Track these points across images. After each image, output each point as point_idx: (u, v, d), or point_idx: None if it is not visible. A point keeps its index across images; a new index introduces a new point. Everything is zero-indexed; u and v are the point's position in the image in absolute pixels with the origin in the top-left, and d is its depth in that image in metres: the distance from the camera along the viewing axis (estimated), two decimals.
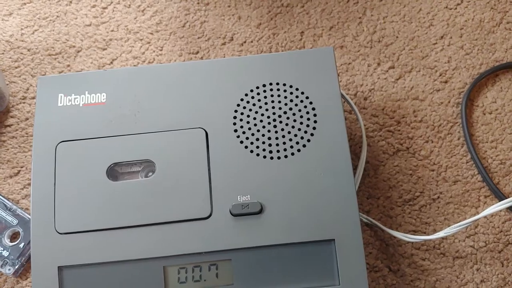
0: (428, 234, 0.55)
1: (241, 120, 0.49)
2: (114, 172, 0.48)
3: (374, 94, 0.61)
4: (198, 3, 0.66)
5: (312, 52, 0.51)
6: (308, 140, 0.48)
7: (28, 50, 0.65)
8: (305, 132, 0.48)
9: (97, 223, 0.47)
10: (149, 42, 0.65)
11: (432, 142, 0.59)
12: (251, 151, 0.48)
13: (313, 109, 0.49)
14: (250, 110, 0.49)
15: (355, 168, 0.56)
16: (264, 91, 0.50)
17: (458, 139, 0.59)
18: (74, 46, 0.65)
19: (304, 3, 0.66)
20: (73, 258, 0.47)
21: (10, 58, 0.64)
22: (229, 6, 0.66)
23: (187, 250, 0.46)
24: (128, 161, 0.49)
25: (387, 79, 0.62)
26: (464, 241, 0.55)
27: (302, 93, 0.50)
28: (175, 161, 0.48)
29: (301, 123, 0.49)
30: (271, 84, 0.50)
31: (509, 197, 0.56)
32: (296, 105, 0.49)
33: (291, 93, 0.50)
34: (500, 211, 0.55)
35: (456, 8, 0.65)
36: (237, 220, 0.47)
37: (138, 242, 0.47)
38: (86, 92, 0.51)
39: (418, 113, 0.60)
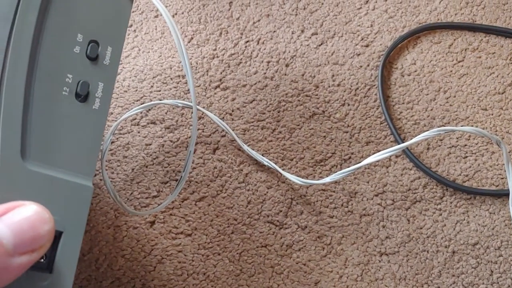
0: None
1: None
2: None
3: (295, 61, 0.63)
4: None
5: None
6: None
7: None
8: None
9: None
10: None
11: (349, 105, 0.61)
12: None
13: None
14: None
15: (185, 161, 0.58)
16: None
17: (375, 101, 0.61)
18: None
19: None
20: None
21: None
22: None
23: None
24: None
25: (309, 45, 0.64)
26: (372, 199, 0.57)
27: None
28: None
29: None
30: None
31: (419, 157, 0.57)
32: None
33: None
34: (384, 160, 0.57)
35: None
36: None
37: None
38: None
39: (337, 77, 0.62)
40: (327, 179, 0.52)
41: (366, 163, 0.49)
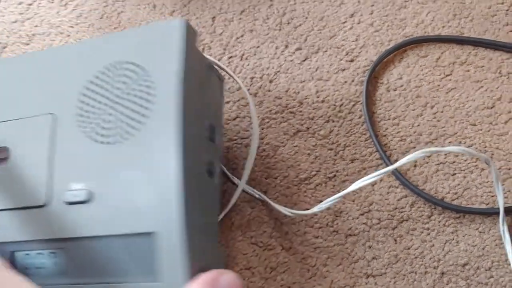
0: (322, 211, 0.55)
1: (87, 104, 0.47)
2: None
3: (279, 77, 0.62)
4: None
5: (162, 25, 0.47)
6: (142, 123, 0.44)
7: None
8: (142, 115, 0.44)
9: None
10: (69, 35, 0.67)
11: (333, 121, 0.59)
12: (90, 137, 0.45)
13: (152, 88, 0.45)
14: (97, 93, 0.47)
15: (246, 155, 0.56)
16: (109, 70, 0.47)
17: (359, 117, 0.59)
18: (0, 43, 0.68)
19: None
20: None
21: None
22: None
23: (21, 237, 0.45)
24: None
25: (293, 61, 0.62)
26: (357, 218, 0.55)
27: (144, 71, 0.46)
28: (21, 148, 0.47)
29: (140, 105, 0.45)
30: (116, 63, 0.47)
31: (406, 174, 0.56)
32: (139, 85, 0.45)
33: (136, 72, 0.46)
34: (371, 184, 0.55)
35: None
36: (69, 209, 0.44)
37: None
38: None
39: (321, 94, 0.60)
40: (315, 209, 0.51)
41: (354, 188, 0.48)
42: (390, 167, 0.47)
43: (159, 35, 0.47)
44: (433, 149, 0.46)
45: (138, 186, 0.43)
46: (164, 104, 0.44)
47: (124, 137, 0.44)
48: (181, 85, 0.44)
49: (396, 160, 0.57)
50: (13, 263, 0.45)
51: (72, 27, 0.68)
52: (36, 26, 0.68)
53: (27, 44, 0.67)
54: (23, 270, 0.45)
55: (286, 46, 0.63)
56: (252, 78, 0.62)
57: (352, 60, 0.61)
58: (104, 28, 0.67)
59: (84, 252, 0.44)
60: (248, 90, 0.61)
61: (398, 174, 0.55)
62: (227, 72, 0.56)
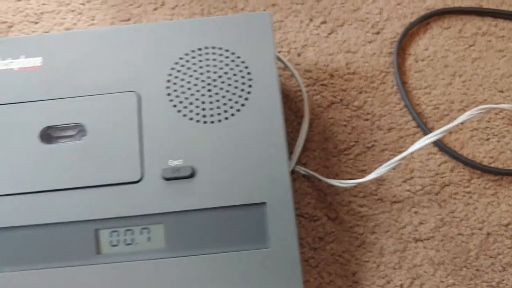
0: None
1: (174, 84, 0.49)
2: (47, 135, 0.48)
3: (307, 50, 0.61)
4: None
5: (248, 16, 0.51)
6: (242, 105, 0.48)
7: None
8: (240, 96, 0.48)
9: (28, 186, 0.47)
10: (80, 13, 0.64)
11: (366, 92, 0.59)
12: (184, 115, 0.48)
13: (248, 73, 0.49)
14: (184, 74, 0.49)
15: (297, 130, 0.56)
16: (200, 54, 0.50)
17: (392, 87, 0.60)
18: (5, 22, 0.64)
19: None
20: (3, 220, 0.46)
21: None
22: None
23: (118, 213, 0.46)
24: (60, 124, 0.48)
25: (320, 34, 0.62)
26: (400, 185, 0.56)
27: (238, 57, 0.49)
28: (106, 124, 0.48)
29: (236, 87, 0.48)
30: (206, 48, 0.50)
31: (443, 141, 0.57)
32: (231, 69, 0.49)
33: (227, 57, 0.50)
34: (427, 147, 0.56)
35: None
36: (168, 184, 0.46)
37: (69, 205, 0.46)
38: (22, 56, 0.50)
39: (351, 65, 0.61)
40: (371, 175, 0.51)
41: (414, 149, 0.48)
42: (450, 125, 0.47)
43: (249, 25, 0.50)
44: (488, 106, 0.48)
45: (247, 161, 0.46)
46: (264, 86, 0.48)
47: (224, 116, 0.47)
48: (276, 70, 0.48)
49: (433, 128, 0.57)
50: (97, 241, 0.45)
51: (83, 4, 0.65)
52: (43, 4, 0.65)
53: (36, 23, 0.64)
54: (109, 248, 0.45)
55: (311, 20, 0.63)
56: (279, 52, 0.61)
57: (378, 33, 0.62)
58: (119, 5, 0.64)
59: (187, 225, 0.45)
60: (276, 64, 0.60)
61: (437, 140, 0.56)
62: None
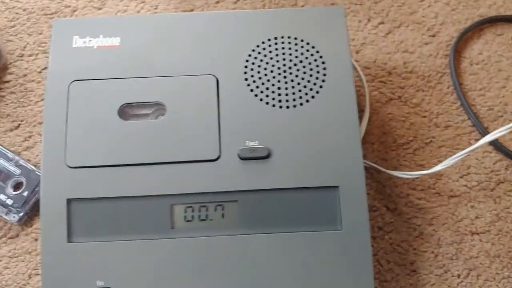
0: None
1: (252, 69, 0.50)
2: (124, 113, 0.49)
3: (365, 48, 0.63)
4: None
5: (322, 10, 0.53)
6: (317, 92, 0.50)
7: (24, 10, 0.65)
8: (314, 84, 0.50)
9: (107, 159, 0.48)
10: (144, 1, 0.66)
11: (423, 91, 0.61)
12: (261, 100, 0.50)
13: (323, 63, 0.50)
14: (261, 60, 0.51)
15: (360, 118, 0.57)
16: (276, 43, 0.51)
17: (448, 87, 0.62)
18: (69, 6, 0.66)
19: None
20: (82, 191, 0.47)
21: (5, 18, 0.65)
22: None
23: (194, 190, 0.47)
24: (139, 102, 0.50)
25: (377, 34, 0.64)
26: (457, 181, 0.57)
27: (313, 47, 0.51)
28: (185, 104, 0.49)
29: (311, 75, 0.50)
30: (282, 37, 0.52)
31: (498, 140, 0.58)
32: (306, 58, 0.51)
33: (302, 46, 0.51)
34: (488, 148, 0.58)
35: None
36: (244, 164, 0.48)
37: (147, 179, 0.47)
38: (101, 35, 0.52)
39: (408, 65, 0.63)
40: (437, 167, 0.52)
41: (481, 143, 0.50)
42: None
43: (324, 18, 0.52)
44: None
45: (321, 146, 0.48)
46: (338, 75, 0.50)
47: (299, 102, 0.49)
48: (350, 60, 0.50)
49: (488, 128, 0.59)
50: (172, 216, 0.47)
51: None
52: None
53: (100, 9, 0.66)
54: (183, 223, 0.47)
55: (369, 20, 0.65)
56: None
57: (434, 35, 0.64)
58: None
59: (261, 204, 0.47)
60: None
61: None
62: None
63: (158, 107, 0.50)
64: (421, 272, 0.54)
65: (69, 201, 0.47)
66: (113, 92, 0.50)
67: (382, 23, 0.65)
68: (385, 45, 0.63)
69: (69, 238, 0.47)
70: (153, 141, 0.48)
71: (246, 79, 0.50)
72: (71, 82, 0.50)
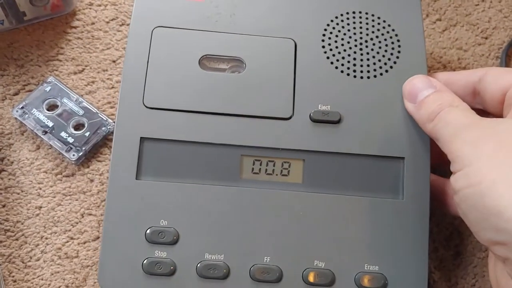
0: None
1: (329, 38, 0.53)
2: (203, 64, 0.51)
3: None
4: None
5: None
6: (391, 67, 0.52)
7: None
8: (389, 59, 0.52)
9: (184, 104, 0.49)
10: None
11: None
12: (336, 67, 0.52)
13: (398, 41, 0.53)
14: (339, 31, 0.53)
15: None
16: (354, 17, 0.54)
17: None
18: None
19: None
20: (156, 132, 0.49)
21: None
22: None
23: (265, 144, 0.49)
24: (220, 55, 0.51)
25: (435, 29, 0.67)
26: None
27: (389, 25, 0.54)
28: (263, 63, 0.51)
29: (386, 51, 0.53)
30: (360, 12, 0.54)
31: None
32: (382, 34, 0.53)
33: (379, 23, 0.54)
34: None
35: None
36: (315, 126, 0.50)
37: (221, 128, 0.49)
38: None
39: (462, 61, 0.65)
40: None
41: None
42: None
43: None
44: None
45: (391, 118, 0.50)
46: (411, 52, 0.53)
47: (373, 74, 0.52)
48: (424, 38, 0.53)
49: None
50: (241, 167, 0.49)
51: None
52: None
53: None
54: (250, 174, 0.49)
55: (427, 15, 0.68)
56: None
57: (486, 38, 0.67)
58: None
59: (326, 166, 0.49)
60: None
61: None
62: None
63: (235, 64, 0.51)
64: (463, 254, 0.56)
65: (142, 139, 0.48)
66: (195, 42, 0.51)
67: (439, 19, 0.68)
68: (441, 40, 0.66)
69: (138, 175, 0.48)
70: (230, 93, 0.50)
71: (323, 47, 0.53)
72: (155, 28, 0.51)
